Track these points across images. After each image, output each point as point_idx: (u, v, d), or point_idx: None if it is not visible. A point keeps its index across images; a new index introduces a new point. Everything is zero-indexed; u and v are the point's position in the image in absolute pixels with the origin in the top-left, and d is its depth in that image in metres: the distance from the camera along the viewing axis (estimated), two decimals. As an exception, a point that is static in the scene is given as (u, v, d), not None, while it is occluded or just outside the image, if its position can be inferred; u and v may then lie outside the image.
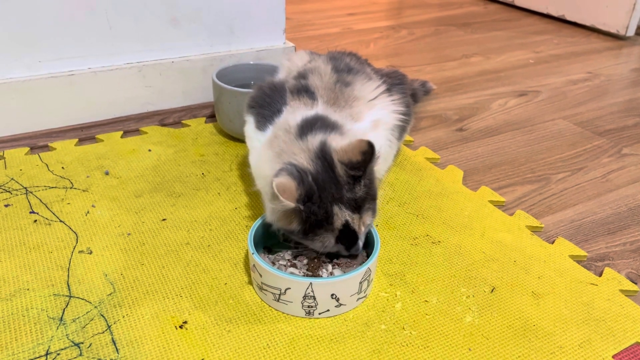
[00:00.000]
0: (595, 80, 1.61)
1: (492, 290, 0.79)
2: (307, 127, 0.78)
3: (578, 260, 0.86)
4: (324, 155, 0.73)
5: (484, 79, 1.59)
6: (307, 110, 0.83)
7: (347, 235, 0.73)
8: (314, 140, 0.75)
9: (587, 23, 2.07)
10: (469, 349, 0.69)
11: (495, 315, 0.74)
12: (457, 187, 1.04)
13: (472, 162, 1.15)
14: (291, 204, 0.69)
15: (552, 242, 0.90)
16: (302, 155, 0.74)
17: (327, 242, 0.73)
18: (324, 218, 0.71)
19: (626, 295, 0.79)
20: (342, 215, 0.72)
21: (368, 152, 0.70)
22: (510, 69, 1.68)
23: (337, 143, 0.75)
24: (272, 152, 0.78)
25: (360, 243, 0.75)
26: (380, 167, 0.93)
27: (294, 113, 0.83)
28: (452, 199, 1.00)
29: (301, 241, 0.75)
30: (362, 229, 0.74)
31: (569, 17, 2.13)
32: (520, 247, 0.88)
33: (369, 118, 0.87)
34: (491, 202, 0.99)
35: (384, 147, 0.91)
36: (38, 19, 1.10)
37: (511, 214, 0.97)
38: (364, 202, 0.73)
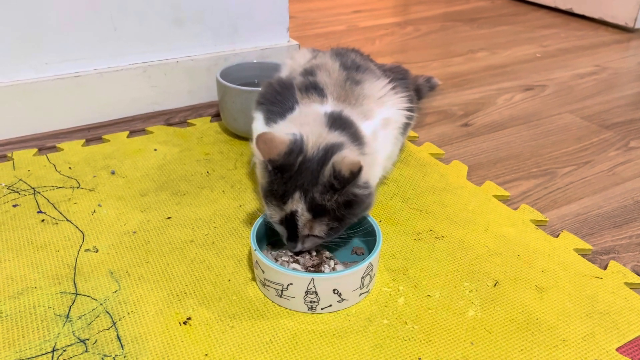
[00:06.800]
0: (602, 73, 1.60)
1: (495, 284, 0.79)
2: (338, 123, 0.79)
3: (583, 253, 0.86)
4: (328, 150, 0.73)
5: (490, 74, 1.58)
6: (318, 107, 0.83)
7: (290, 226, 0.73)
8: (338, 138, 0.76)
9: (595, 16, 2.05)
10: (472, 343, 0.69)
11: (498, 309, 0.74)
12: (461, 182, 1.03)
13: (477, 157, 1.14)
14: (260, 157, 0.71)
15: (557, 236, 0.89)
16: (318, 139, 0.75)
17: (274, 216, 0.75)
18: (281, 194, 0.72)
19: (631, 288, 0.79)
20: (296, 203, 0.72)
21: (354, 173, 0.69)
22: (516, 64, 1.67)
23: (349, 152, 0.74)
24: (293, 123, 0.79)
25: (299, 245, 0.75)
26: (386, 165, 0.93)
27: (311, 107, 0.83)
28: (456, 194, 0.99)
29: (262, 199, 0.77)
30: (305, 231, 0.73)
31: (577, 10, 2.11)
32: (524, 241, 0.88)
33: (380, 116, 0.87)
34: (496, 196, 0.99)
35: (391, 145, 0.91)
36: (43, 22, 1.11)
37: (516, 209, 0.96)
38: (325, 212, 0.72)
